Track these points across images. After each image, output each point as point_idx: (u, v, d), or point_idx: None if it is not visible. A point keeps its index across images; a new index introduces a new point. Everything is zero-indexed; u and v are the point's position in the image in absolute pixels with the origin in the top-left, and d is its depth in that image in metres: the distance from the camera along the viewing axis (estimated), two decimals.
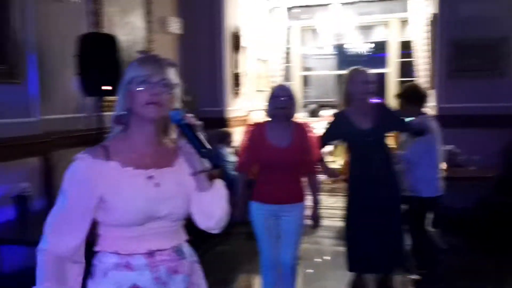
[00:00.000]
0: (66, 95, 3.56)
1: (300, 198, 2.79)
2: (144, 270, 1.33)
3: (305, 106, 10.52)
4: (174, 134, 1.43)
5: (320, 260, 4.21)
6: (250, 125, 2.91)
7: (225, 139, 5.28)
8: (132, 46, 4.56)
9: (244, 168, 2.82)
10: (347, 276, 3.42)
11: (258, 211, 2.76)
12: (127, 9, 4.52)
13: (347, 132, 3.06)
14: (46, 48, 3.34)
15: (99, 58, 3.29)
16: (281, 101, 2.66)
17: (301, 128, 2.78)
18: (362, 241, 3.03)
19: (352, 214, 3.09)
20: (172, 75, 1.39)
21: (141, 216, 1.31)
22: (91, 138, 3.72)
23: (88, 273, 1.37)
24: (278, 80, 8.53)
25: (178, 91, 1.42)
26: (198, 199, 1.40)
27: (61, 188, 1.34)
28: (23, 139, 3.05)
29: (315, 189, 2.85)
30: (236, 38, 5.90)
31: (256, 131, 2.76)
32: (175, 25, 5.32)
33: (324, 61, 11.78)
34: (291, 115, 2.72)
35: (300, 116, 8.66)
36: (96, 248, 1.36)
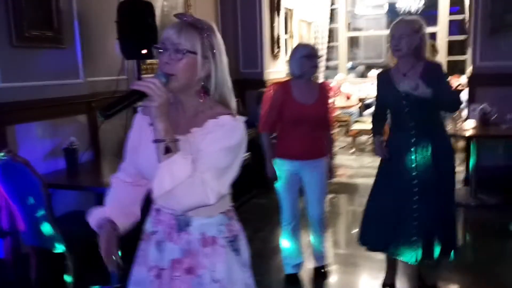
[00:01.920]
0: (108, 58, 3.84)
1: (322, 153, 2.93)
2: (151, 225, 1.45)
3: (352, 68, 10.35)
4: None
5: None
6: (273, 85, 3.03)
7: (261, 100, 5.43)
8: (171, 11, 4.77)
9: (267, 127, 2.95)
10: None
11: (281, 168, 2.92)
12: None
13: (387, 94, 2.72)
14: (89, 15, 3.61)
15: (137, 23, 3.52)
16: (304, 60, 2.76)
17: (325, 87, 2.93)
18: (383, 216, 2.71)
19: (378, 183, 2.83)
20: (192, 40, 1.29)
21: (150, 174, 1.30)
22: None
23: None
24: (323, 41, 8.46)
25: (195, 58, 1.30)
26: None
27: None
28: (70, 99, 3.38)
29: (331, 144, 3.03)
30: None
31: (281, 90, 2.86)
32: None
33: (373, 21, 11.39)
34: (315, 74, 2.87)
35: (347, 78, 8.61)
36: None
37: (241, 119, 1.36)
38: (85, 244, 2.87)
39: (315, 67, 2.84)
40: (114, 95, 3.81)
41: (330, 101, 2.95)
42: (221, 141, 1.28)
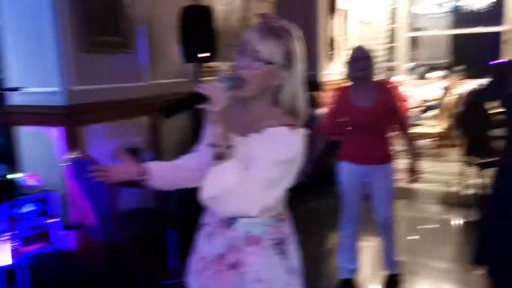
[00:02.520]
0: (170, 62, 4.00)
1: (387, 160, 2.83)
2: (205, 217, 1.46)
3: (413, 69, 10.02)
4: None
5: (425, 227, 4.16)
6: (336, 89, 3.02)
7: (313, 102, 5.43)
8: (230, 15, 4.88)
9: (327, 130, 2.96)
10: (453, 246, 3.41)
11: (345, 170, 2.89)
12: None
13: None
14: (154, 20, 3.79)
15: (197, 28, 3.65)
16: (359, 63, 2.71)
17: (385, 87, 2.82)
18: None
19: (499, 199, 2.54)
20: (273, 49, 1.28)
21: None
22: None
23: None
24: (382, 42, 8.27)
25: (272, 69, 1.28)
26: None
27: None
28: (135, 101, 3.57)
29: (409, 144, 2.91)
30: (331, 1, 5.89)
31: (341, 94, 2.86)
32: None
33: (435, 20, 10.97)
34: (371, 76, 2.76)
35: (407, 79, 8.36)
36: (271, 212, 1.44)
37: (301, 132, 1.31)
38: (148, 240, 3.03)
39: (364, 69, 2.71)
40: (176, 97, 3.97)
41: (394, 100, 2.82)
42: (274, 153, 1.25)
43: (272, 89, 1.33)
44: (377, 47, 8.18)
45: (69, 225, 3.14)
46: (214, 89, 1.24)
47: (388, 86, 2.88)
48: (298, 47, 1.34)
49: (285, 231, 1.44)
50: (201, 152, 1.48)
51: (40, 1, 2.99)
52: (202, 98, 1.25)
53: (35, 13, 3.04)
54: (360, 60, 2.72)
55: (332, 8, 5.90)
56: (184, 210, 2.82)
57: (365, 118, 2.72)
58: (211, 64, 4.29)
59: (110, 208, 2.83)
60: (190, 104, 1.29)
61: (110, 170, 1.46)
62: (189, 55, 3.72)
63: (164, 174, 1.49)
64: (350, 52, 2.85)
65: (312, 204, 4.80)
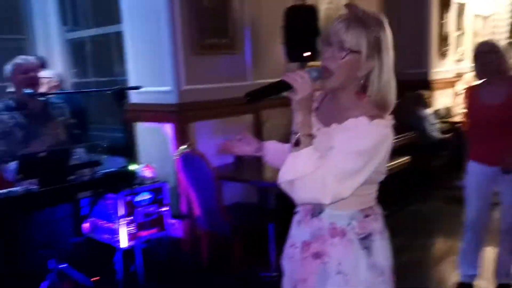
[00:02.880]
0: (273, 62, 4.09)
1: None
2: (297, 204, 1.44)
3: None
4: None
5: None
6: (468, 88, 2.89)
7: (419, 101, 5.12)
8: (334, 13, 4.84)
9: (469, 131, 2.81)
10: None
11: (472, 170, 2.76)
12: None
13: None
14: (258, 22, 3.91)
15: (302, 27, 3.68)
16: (485, 57, 2.59)
17: None
18: None
19: None
20: (359, 37, 1.25)
21: None
22: None
23: None
24: (503, 37, 7.53)
25: (359, 58, 1.26)
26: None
27: None
28: (239, 100, 3.67)
29: None
30: None
31: (470, 93, 2.77)
32: None
33: None
34: (501, 71, 2.59)
35: None
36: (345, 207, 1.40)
37: (386, 124, 1.27)
38: (249, 233, 3.14)
39: (487, 64, 2.56)
40: (278, 96, 4.05)
41: None
42: (352, 143, 1.23)
43: (359, 79, 1.31)
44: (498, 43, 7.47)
45: (178, 215, 3.39)
46: (298, 78, 1.24)
47: None
48: (387, 36, 1.30)
49: (373, 227, 1.39)
50: None
51: (157, 8, 3.26)
52: (287, 86, 1.26)
53: (152, 20, 3.33)
54: (487, 55, 2.58)
55: (447, 2, 5.53)
56: (283, 205, 2.88)
57: (493, 115, 2.56)
58: (314, 63, 4.30)
59: (215, 200, 2.99)
60: (274, 91, 1.29)
61: (234, 144, 1.61)
62: (293, 54, 3.77)
63: (278, 154, 1.54)
64: (476, 47, 2.69)
65: (415, 207, 4.57)
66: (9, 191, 2.16)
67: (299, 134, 1.26)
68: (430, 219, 4.29)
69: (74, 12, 4.91)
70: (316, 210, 1.39)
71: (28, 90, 2.60)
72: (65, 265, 2.66)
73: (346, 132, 1.24)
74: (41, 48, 4.84)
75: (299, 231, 1.45)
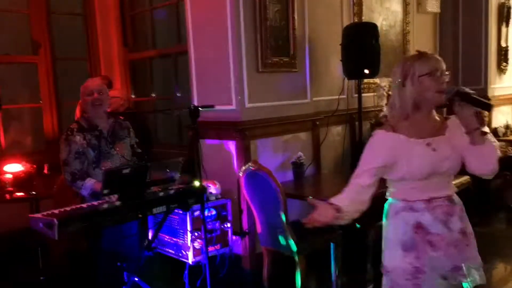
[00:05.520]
0: (330, 79, 4.10)
1: None
2: (424, 211, 1.78)
3: None
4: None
5: None
6: None
7: (478, 118, 4.95)
8: (389, 30, 4.81)
9: None
10: None
11: None
12: None
13: None
14: (317, 40, 3.94)
15: (361, 45, 3.68)
16: None
17: None
18: None
19: None
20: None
21: (424, 173, 1.75)
22: (351, 117, 4.22)
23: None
24: None
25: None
26: (474, 151, 1.72)
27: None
28: (299, 117, 3.73)
29: None
30: (505, 8, 5.38)
31: None
32: (433, 4, 5.26)
33: None
34: None
35: None
36: (387, 196, 1.88)
37: None
38: (310, 252, 3.12)
39: None
40: (334, 114, 4.05)
41: None
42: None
43: None
44: None
45: (239, 231, 3.41)
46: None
47: None
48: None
49: None
50: (368, 188, 1.80)
51: (223, 27, 3.35)
52: (486, 108, 1.69)
53: (217, 39, 3.42)
54: None
55: (507, 16, 5.39)
56: (347, 227, 2.84)
57: None
58: (371, 80, 4.28)
59: (278, 217, 3.00)
60: (479, 105, 1.66)
61: (315, 218, 1.79)
62: (352, 72, 3.76)
63: (355, 203, 1.81)
64: None
65: (480, 229, 4.40)
66: (95, 205, 2.26)
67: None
68: (491, 241, 4.12)
69: (135, 33, 5.11)
70: (450, 199, 1.82)
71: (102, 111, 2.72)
72: (137, 278, 2.73)
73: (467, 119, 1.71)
74: (103, 69, 5.07)
75: (446, 225, 1.79)
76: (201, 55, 3.60)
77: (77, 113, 3.92)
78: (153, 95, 5.03)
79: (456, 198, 1.85)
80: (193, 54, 3.65)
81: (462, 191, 4.35)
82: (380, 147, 1.79)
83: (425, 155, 1.74)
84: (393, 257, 1.82)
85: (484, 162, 1.73)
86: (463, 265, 1.78)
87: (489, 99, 1.94)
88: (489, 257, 3.74)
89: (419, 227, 1.78)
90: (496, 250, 3.89)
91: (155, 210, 2.50)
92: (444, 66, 1.75)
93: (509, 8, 5.43)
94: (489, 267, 3.59)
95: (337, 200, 1.78)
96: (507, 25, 5.42)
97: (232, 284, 3.25)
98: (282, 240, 3.03)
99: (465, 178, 4.52)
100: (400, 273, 1.78)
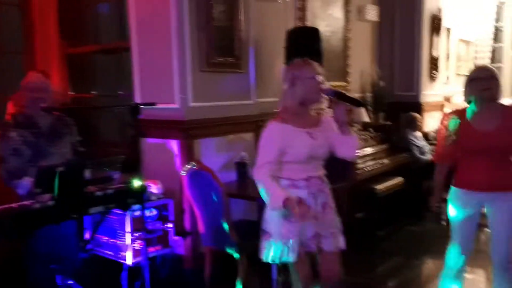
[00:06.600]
0: (275, 81, 4.17)
1: (510, 187, 2.54)
2: (304, 188, 2.21)
3: None
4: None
5: None
6: (449, 113, 2.79)
7: (412, 123, 5.26)
8: (332, 36, 4.98)
9: (443, 158, 2.72)
10: None
11: (458, 197, 2.66)
12: (329, 1, 4.92)
13: None
14: (261, 42, 3.99)
15: (304, 48, 3.76)
16: (481, 82, 2.52)
17: (509, 111, 2.59)
18: None
19: None
20: None
21: (306, 156, 2.20)
22: None
23: None
24: (485, 62, 7.83)
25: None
26: (343, 140, 2.25)
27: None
28: (242, 118, 3.76)
29: None
30: (436, 20, 5.74)
31: (459, 118, 2.63)
32: (372, 13, 5.50)
33: None
34: (495, 97, 2.54)
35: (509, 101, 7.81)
36: (278, 175, 2.21)
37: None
38: (250, 250, 3.14)
39: (485, 90, 2.49)
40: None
41: None
42: None
43: None
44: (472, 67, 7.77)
45: (182, 232, 3.38)
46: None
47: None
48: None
49: None
50: (274, 165, 2.20)
51: (167, 25, 3.31)
52: (358, 105, 2.30)
53: (161, 37, 3.37)
54: (473, 81, 2.55)
55: (437, 27, 5.75)
56: None
57: (487, 143, 2.51)
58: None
59: (221, 217, 3.00)
60: (351, 102, 2.22)
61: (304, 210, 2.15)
62: None
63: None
64: (471, 72, 2.69)
65: (410, 227, 4.67)
66: (26, 205, 2.14)
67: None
68: (424, 239, 4.38)
69: (75, 26, 4.91)
70: (322, 179, 2.31)
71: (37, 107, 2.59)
72: (72, 281, 2.62)
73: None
74: (39, 63, 4.81)
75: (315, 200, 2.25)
76: (144, 52, 3.53)
77: (10, 108, 3.71)
78: (94, 92, 4.86)
79: (325, 178, 2.33)
80: (136, 50, 3.57)
81: (396, 192, 4.62)
82: (275, 136, 2.18)
83: (306, 142, 2.17)
84: (274, 225, 2.22)
85: (349, 148, 2.27)
86: (320, 232, 2.25)
87: (359, 99, 2.37)
88: (420, 253, 3.98)
89: (299, 201, 2.14)
90: (426, 247, 4.14)
91: (92, 210, 2.41)
92: (321, 71, 2.22)
93: (439, 20, 5.80)
94: (420, 263, 3.80)
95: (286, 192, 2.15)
96: (438, 36, 5.79)
97: (173, 284, 3.22)
98: (224, 239, 3.04)
99: (399, 180, 4.79)
100: (278, 238, 2.19)
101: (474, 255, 2.93)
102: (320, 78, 2.21)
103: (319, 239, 2.26)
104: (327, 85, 2.29)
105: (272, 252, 2.27)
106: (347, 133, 2.25)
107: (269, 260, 2.31)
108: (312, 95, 2.21)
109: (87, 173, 2.32)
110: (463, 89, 2.66)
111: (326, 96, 2.26)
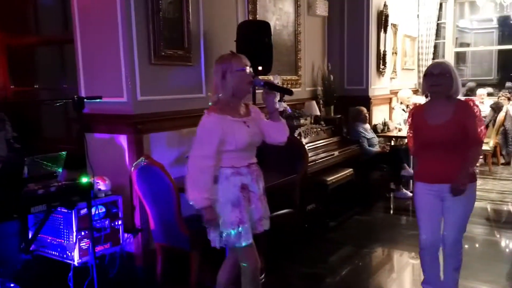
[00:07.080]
0: None
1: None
2: (247, 175, 2.32)
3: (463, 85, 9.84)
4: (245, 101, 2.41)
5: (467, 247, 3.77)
6: (414, 106, 2.92)
7: (359, 116, 5.41)
8: (282, 30, 5.00)
9: (413, 149, 2.82)
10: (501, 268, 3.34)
11: (420, 190, 2.74)
12: None
13: None
14: (212, 35, 3.94)
15: (254, 42, 3.76)
16: (433, 78, 2.60)
17: (464, 106, 2.65)
18: None
19: None
20: None
21: (245, 144, 2.28)
22: None
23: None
24: (428, 57, 8.19)
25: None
26: (273, 126, 2.38)
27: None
28: (194, 112, 3.69)
29: (468, 159, 2.63)
30: (383, 16, 5.92)
31: (416, 112, 2.78)
32: (321, 8, 5.58)
33: (483, 35, 10.75)
34: (449, 92, 2.60)
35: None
36: (220, 165, 2.27)
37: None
38: (203, 245, 3.11)
39: (435, 85, 2.59)
40: None
41: (471, 119, 2.62)
42: None
43: None
44: (423, 62, 8.12)
45: (131, 229, 3.29)
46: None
47: (467, 104, 2.68)
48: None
49: None
50: (216, 155, 2.25)
51: (112, 16, 3.19)
52: (287, 93, 2.48)
53: (106, 29, 3.25)
54: (435, 76, 2.61)
55: (384, 23, 5.92)
56: None
57: (437, 136, 2.60)
58: (265, 77, 4.40)
59: (173, 213, 2.95)
60: (282, 91, 2.47)
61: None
62: None
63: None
64: (428, 67, 2.76)
65: (360, 217, 4.80)
66: None
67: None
68: (371, 228, 4.52)
69: (15, 15, 4.64)
70: (258, 164, 2.42)
71: None
72: (13, 284, 2.49)
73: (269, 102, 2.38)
74: None
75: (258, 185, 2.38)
76: (89, 43, 3.39)
77: None
78: (36, 86, 4.62)
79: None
80: (80, 41, 3.42)
81: (346, 183, 4.73)
82: (214, 127, 2.22)
83: (244, 131, 2.27)
84: (223, 212, 2.26)
85: (280, 134, 2.40)
86: (264, 215, 2.40)
87: (288, 88, 2.56)
88: (369, 242, 4.09)
89: (244, 187, 2.29)
90: (375, 236, 4.27)
91: (33, 210, 2.30)
92: (249, 63, 2.29)
93: (386, 16, 5.98)
94: (369, 251, 3.91)
95: (211, 193, 2.23)
96: (385, 31, 5.98)
97: (122, 283, 3.12)
98: (175, 235, 2.99)
99: (349, 171, 4.91)
100: (228, 225, 2.26)
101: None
102: (249, 69, 2.28)
103: (261, 221, 2.42)
104: (256, 76, 2.40)
105: (224, 237, 2.32)
106: (277, 119, 2.38)
107: (222, 245, 2.38)
108: (243, 87, 2.29)
109: (26, 171, 2.21)
110: (422, 84, 2.76)
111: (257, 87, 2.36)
